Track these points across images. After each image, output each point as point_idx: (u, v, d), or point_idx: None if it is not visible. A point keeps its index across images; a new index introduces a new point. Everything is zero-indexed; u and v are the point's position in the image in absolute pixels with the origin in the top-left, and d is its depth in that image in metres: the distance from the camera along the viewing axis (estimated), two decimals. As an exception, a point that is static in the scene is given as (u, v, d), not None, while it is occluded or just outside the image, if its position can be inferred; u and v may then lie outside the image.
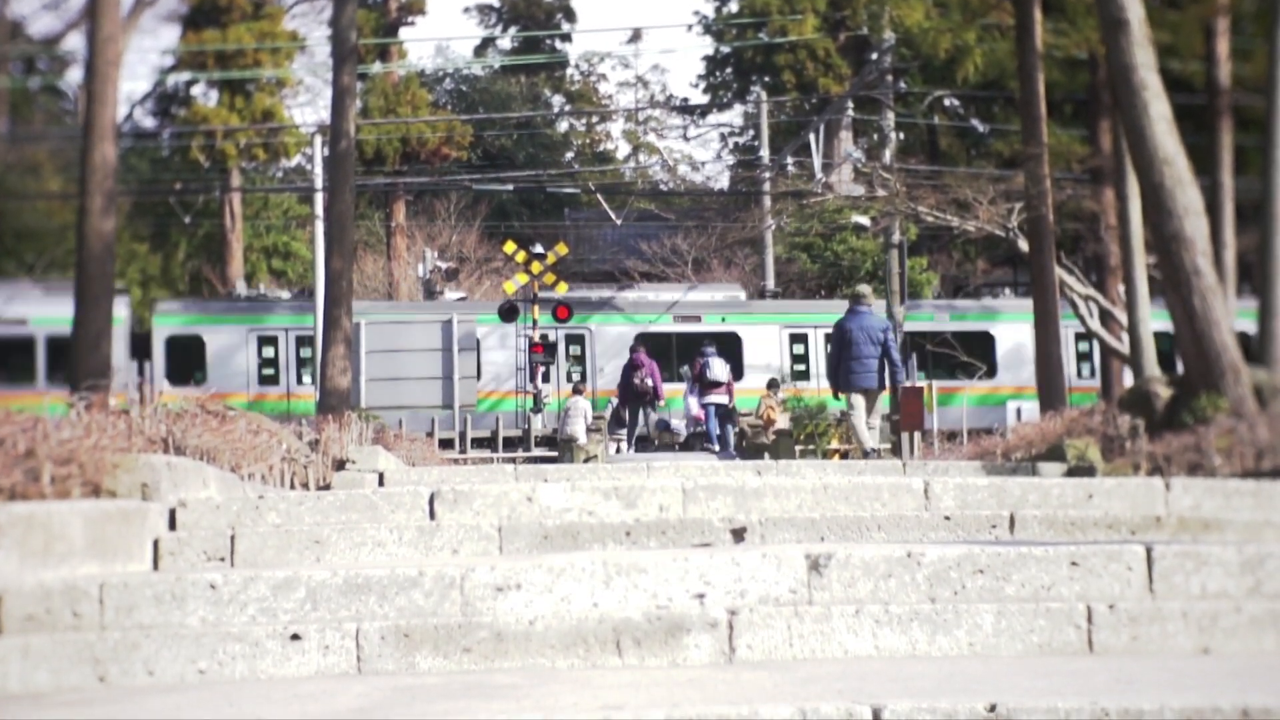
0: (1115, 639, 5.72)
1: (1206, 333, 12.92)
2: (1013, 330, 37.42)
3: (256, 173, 54.52)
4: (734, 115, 62.82)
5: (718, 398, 28.52)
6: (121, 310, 35.07)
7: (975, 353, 37.64)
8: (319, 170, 35.76)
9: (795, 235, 46.89)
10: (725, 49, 57.63)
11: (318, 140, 36.81)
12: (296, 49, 49.72)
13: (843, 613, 5.72)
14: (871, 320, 18.06)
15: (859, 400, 17.96)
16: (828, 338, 36.06)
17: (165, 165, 51.59)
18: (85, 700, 5.10)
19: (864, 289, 18.76)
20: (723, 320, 37.97)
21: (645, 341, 36.08)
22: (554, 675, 5.34)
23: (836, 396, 19.58)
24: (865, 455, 17.40)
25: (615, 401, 31.33)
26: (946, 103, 47.75)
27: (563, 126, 67.00)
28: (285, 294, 40.97)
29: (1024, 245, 27.04)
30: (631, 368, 29.85)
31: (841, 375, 17.93)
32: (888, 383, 18.27)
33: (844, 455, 27.51)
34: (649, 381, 29.11)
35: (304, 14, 53.23)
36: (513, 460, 29.11)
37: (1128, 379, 26.77)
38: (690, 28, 71.22)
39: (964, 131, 50.95)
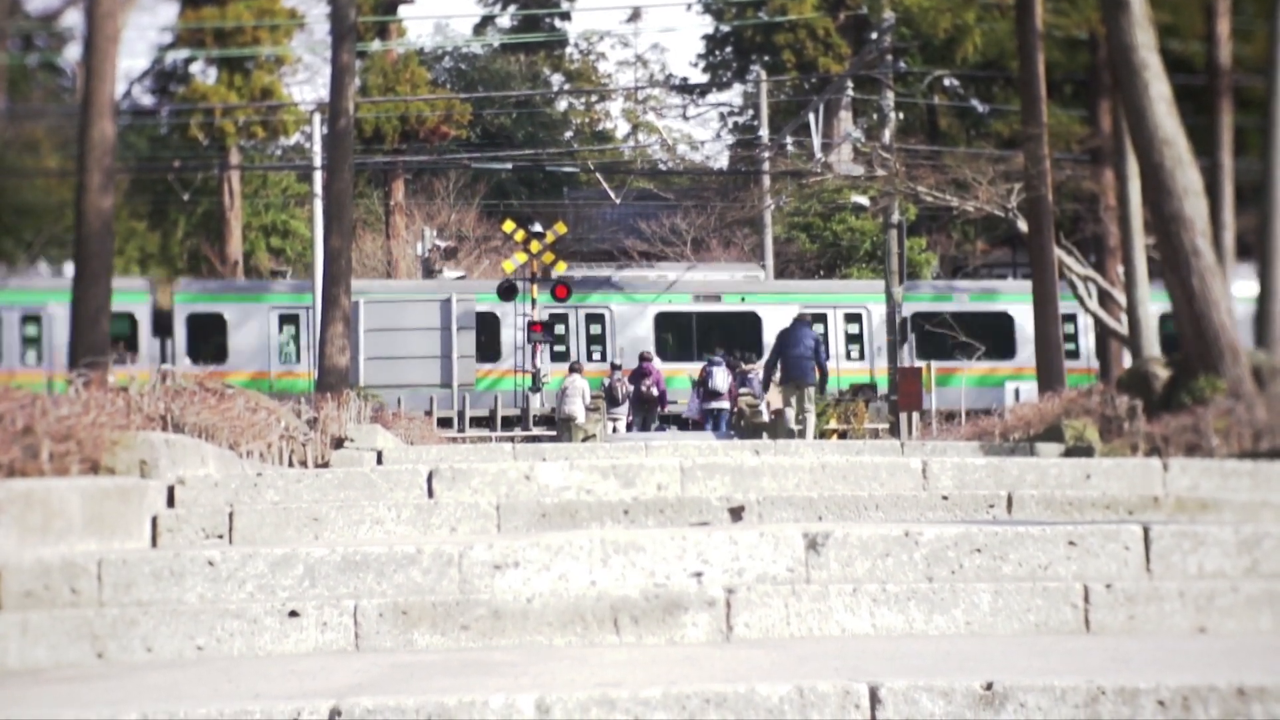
0: (1112, 618, 5.73)
1: (1205, 313, 12.93)
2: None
3: (255, 151, 54.42)
4: (733, 95, 62.78)
5: (719, 404, 30.31)
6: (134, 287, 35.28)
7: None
8: (318, 148, 35.71)
9: (794, 215, 46.82)
10: (725, 28, 57.51)
11: (316, 118, 36.76)
12: (295, 26, 49.58)
13: (840, 591, 5.73)
14: (806, 331, 23.06)
15: (794, 392, 22.70)
16: (848, 317, 36.37)
17: (164, 143, 51.50)
18: (83, 676, 5.10)
19: (804, 314, 24.34)
20: (742, 300, 37.76)
21: (665, 321, 36.17)
22: (552, 653, 5.35)
23: (766, 389, 25.07)
24: (790, 435, 21.46)
25: (607, 381, 31.51)
26: (946, 82, 47.63)
27: (562, 105, 66.88)
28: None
29: (1023, 226, 27.02)
30: (640, 375, 30.60)
31: (784, 372, 22.80)
32: (821, 380, 23.18)
33: (843, 435, 27.56)
34: (654, 390, 31.06)
35: (303, -9, 53.08)
36: (511, 439, 29.14)
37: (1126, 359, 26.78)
38: (690, 6, 71.00)
39: (964, 111, 50.86)
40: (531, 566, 5.97)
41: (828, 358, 23.71)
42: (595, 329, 37.17)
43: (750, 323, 36.85)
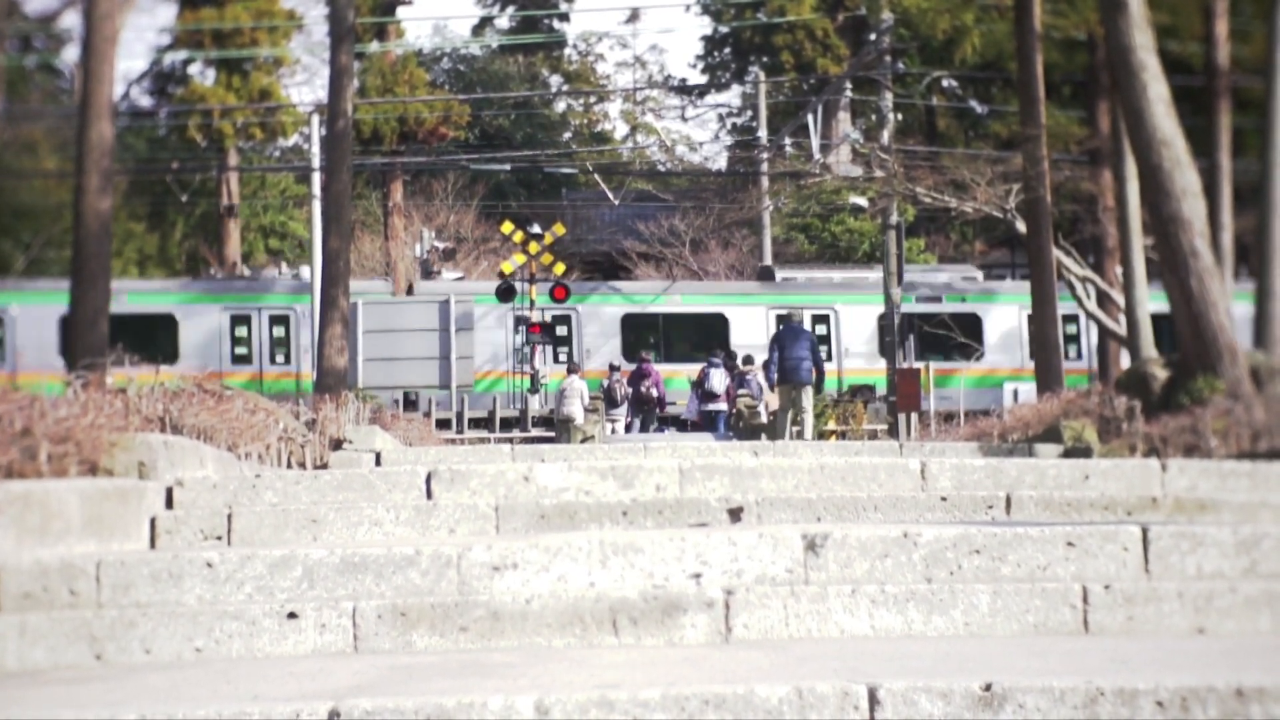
0: (1111, 619, 5.73)
1: (1204, 314, 12.93)
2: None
3: (254, 152, 54.39)
4: (732, 96, 62.80)
5: (716, 406, 30.33)
6: None
7: None
8: (316, 150, 35.68)
9: (793, 216, 46.84)
10: (723, 29, 57.51)
11: (315, 120, 36.73)
12: (294, 28, 49.56)
13: (839, 593, 5.72)
14: (801, 332, 23.32)
15: (790, 394, 22.85)
16: (1066, 319, 36.64)
17: (162, 144, 51.49)
18: (82, 678, 5.10)
19: (795, 312, 24.85)
20: (963, 300, 37.69)
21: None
22: (551, 654, 5.35)
23: (772, 389, 24.68)
24: (772, 437, 21.35)
25: (606, 382, 31.55)
26: (945, 83, 47.63)
27: (560, 106, 66.87)
28: None
29: (1022, 227, 27.01)
30: (639, 376, 30.72)
31: (781, 373, 22.92)
32: (816, 377, 23.38)
33: (842, 436, 27.57)
34: (654, 392, 31.23)
35: (301, -8, 53.10)
36: (509, 440, 29.14)
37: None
38: (688, 7, 71.10)
39: (962, 112, 50.87)
40: (530, 568, 5.97)
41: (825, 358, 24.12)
42: (821, 329, 37.29)
43: (970, 323, 36.82)
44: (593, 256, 48.24)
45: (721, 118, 64.38)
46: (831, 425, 28.79)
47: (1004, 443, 12.74)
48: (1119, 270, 26.69)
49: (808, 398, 23.07)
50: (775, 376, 23.21)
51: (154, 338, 33.27)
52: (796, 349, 22.87)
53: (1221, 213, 21.32)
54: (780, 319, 24.77)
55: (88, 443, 7.17)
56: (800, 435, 22.16)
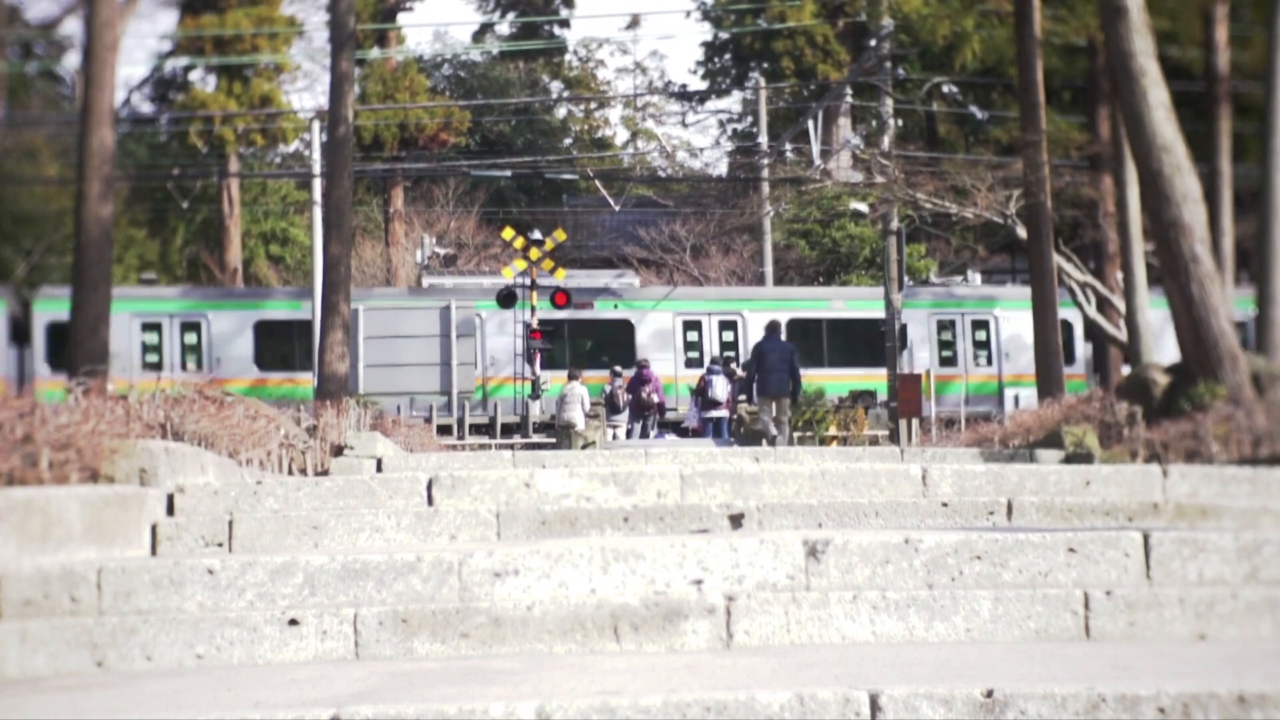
0: (1112, 625, 5.73)
1: (1204, 319, 12.94)
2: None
3: (254, 158, 54.41)
4: (732, 102, 62.85)
5: (717, 413, 30.66)
6: None
7: None
8: (317, 156, 35.71)
9: (793, 222, 46.86)
10: (724, 35, 57.54)
11: (316, 126, 36.76)
12: (294, 34, 49.59)
13: (840, 599, 5.72)
14: (781, 344, 23.86)
15: (772, 403, 23.62)
16: (976, 324, 36.09)
17: (163, 150, 51.50)
18: (83, 685, 5.10)
19: (777, 323, 24.82)
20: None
21: None
22: (552, 661, 5.35)
23: (751, 401, 25.62)
24: (771, 442, 22.22)
25: (608, 388, 31.54)
26: (945, 89, 47.55)
27: (561, 112, 66.89)
28: None
29: (1022, 232, 27.01)
30: (640, 381, 30.86)
31: (760, 385, 23.67)
32: (794, 389, 23.94)
33: (843, 442, 27.56)
34: (654, 397, 31.47)
35: (302, -2, 53.15)
36: (510, 446, 29.13)
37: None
38: (689, 14, 71.12)
39: (962, 118, 50.81)
40: (531, 574, 5.96)
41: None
42: (729, 335, 37.33)
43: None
44: (593, 262, 48.24)
45: (722, 123, 64.49)
46: (833, 430, 28.77)
47: (1005, 448, 12.73)
48: (1120, 275, 26.68)
49: (785, 408, 23.73)
50: (756, 387, 23.81)
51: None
52: (777, 360, 23.42)
53: (1222, 218, 21.34)
54: (766, 328, 25.08)
55: (89, 449, 7.17)
56: (774, 442, 22.53)
